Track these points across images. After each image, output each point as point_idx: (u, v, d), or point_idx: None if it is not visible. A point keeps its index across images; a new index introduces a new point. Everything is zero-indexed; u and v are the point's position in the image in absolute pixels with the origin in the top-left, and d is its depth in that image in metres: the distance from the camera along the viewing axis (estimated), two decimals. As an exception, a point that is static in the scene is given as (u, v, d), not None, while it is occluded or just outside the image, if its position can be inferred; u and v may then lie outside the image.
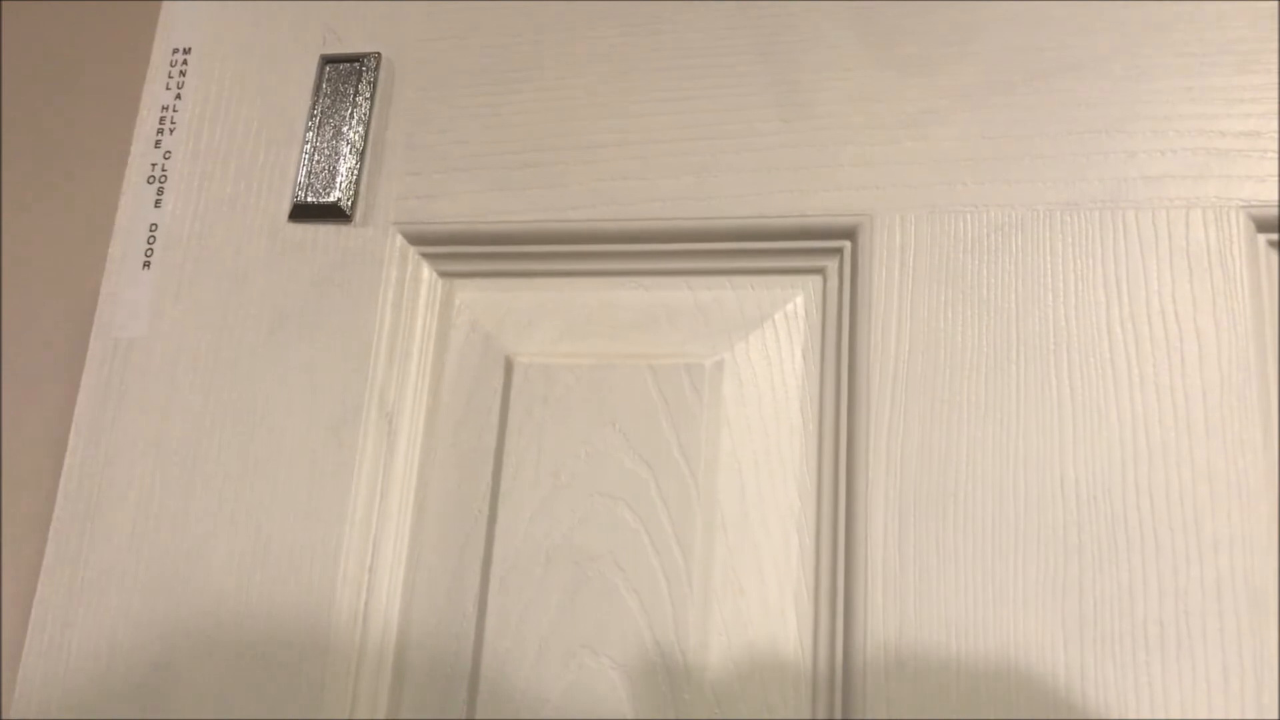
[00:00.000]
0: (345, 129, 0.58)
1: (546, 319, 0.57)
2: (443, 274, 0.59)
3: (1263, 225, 0.49)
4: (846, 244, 0.53)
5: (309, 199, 0.58)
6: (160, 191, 0.61)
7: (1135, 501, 0.47)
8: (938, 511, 0.48)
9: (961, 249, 0.51)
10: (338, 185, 0.58)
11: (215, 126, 0.62)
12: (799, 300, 0.55)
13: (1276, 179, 0.49)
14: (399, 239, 0.58)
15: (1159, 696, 0.45)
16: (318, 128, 0.59)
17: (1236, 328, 0.48)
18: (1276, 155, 0.49)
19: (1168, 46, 0.52)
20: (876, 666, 0.47)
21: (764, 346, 0.54)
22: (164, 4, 0.65)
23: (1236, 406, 0.47)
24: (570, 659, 0.51)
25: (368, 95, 0.59)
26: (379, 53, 0.60)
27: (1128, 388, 0.48)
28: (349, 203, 0.58)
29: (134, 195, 0.62)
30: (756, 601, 0.51)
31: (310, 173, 0.58)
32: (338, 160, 0.58)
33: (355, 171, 0.58)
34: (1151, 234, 0.49)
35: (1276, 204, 0.49)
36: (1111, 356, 0.48)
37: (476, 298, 0.59)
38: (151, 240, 0.60)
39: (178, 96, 0.63)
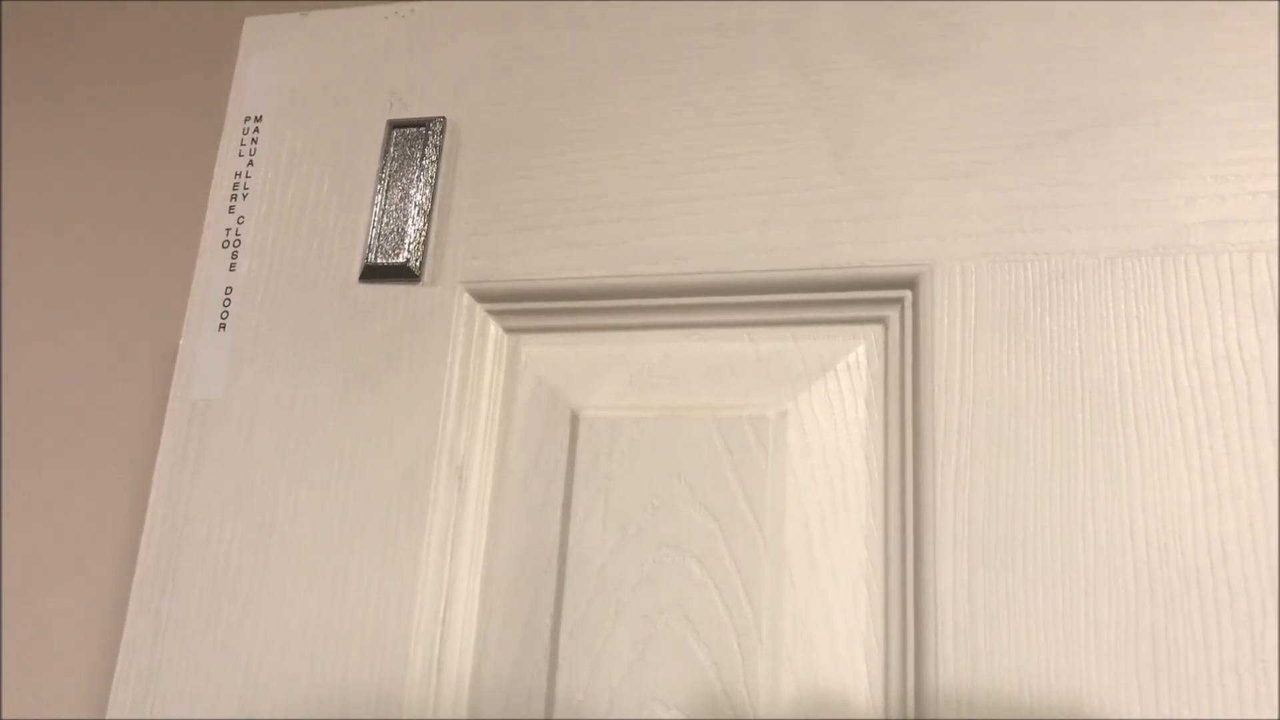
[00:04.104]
0: (413, 191, 0.60)
1: (611, 372, 0.58)
2: (509, 330, 0.61)
3: (1328, 268, 0.49)
4: (907, 294, 0.54)
5: (378, 260, 0.60)
6: (235, 255, 0.63)
7: (1207, 548, 0.46)
8: (1006, 561, 0.48)
9: (1022, 297, 0.51)
10: (406, 246, 0.59)
11: (287, 191, 0.64)
12: (861, 350, 0.55)
13: (1340, 221, 0.49)
14: (466, 297, 0.59)
15: (1237, 746, 0.44)
16: (386, 191, 0.61)
17: (1305, 372, 0.47)
18: (1340, 197, 0.49)
19: (1226, 91, 0.52)
20: (949, 718, 0.47)
21: (827, 397, 0.55)
22: (236, 74, 0.68)
23: (1307, 451, 0.47)
24: (642, 711, 0.52)
25: (434, 158, 0.61)
26: (444, 117, 0.62)
27: (1195, 434, 0.48)
28: (417, 263, 0.59)
29: (210, 259, 0.64)
30: (826, 653, 0.51)
31: (380, 234, 0.60)
32: (406, 222, 0.60)
33: (423, 233, 0.60)
34: (1215, 279, 0.49)
35: (1341, 246, 0.49)
36: (1178, 403, 0.48)
37: (542, 352, 0.60)
38: (227, 303, 0.62)
39: (250, 163, 0.65)
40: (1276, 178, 0.50)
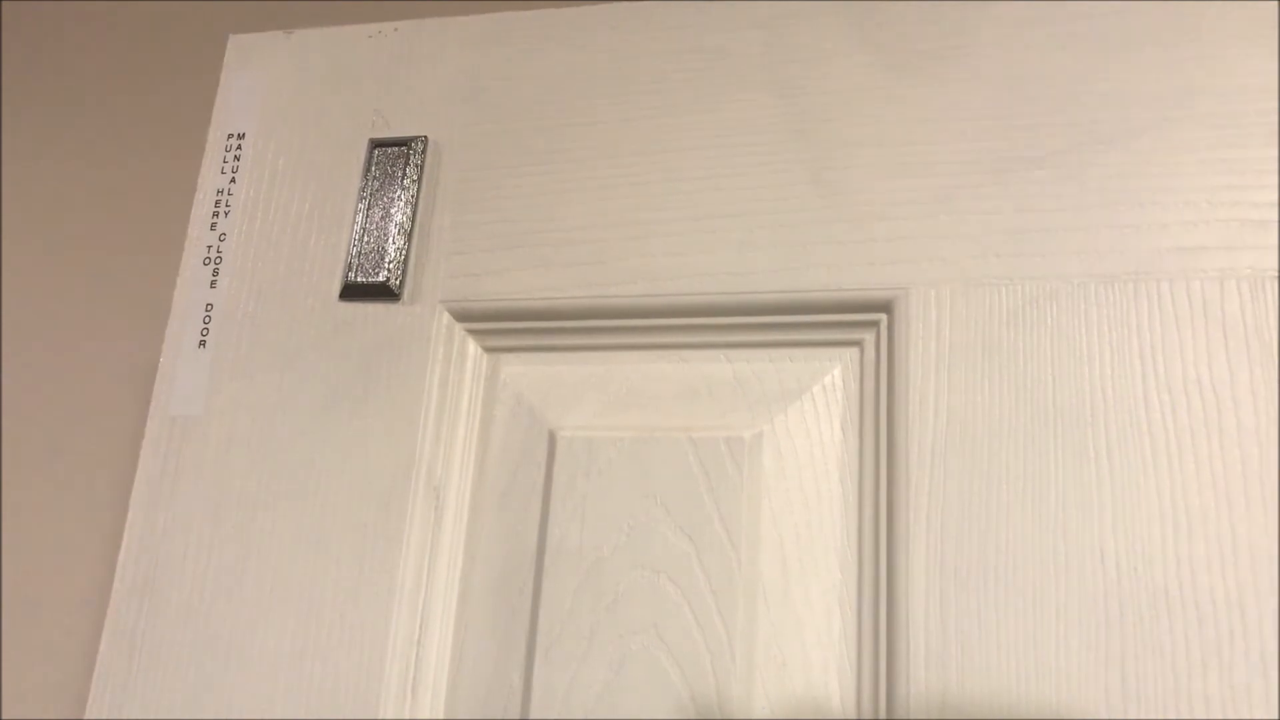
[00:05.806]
0: (393, 210, 0.60)
1: (589, 392, 0.58)
2: (488, 349, 0.61)
3: (1298, 295, 0.50)
4: (883, 317, 0.54)
5: (359, 279, 0.60)
6: (215, 273, 0.63)
7: (1176, 573, 0.47)
8: (978, 584, 0.48)
9: (997, 322, 0.52)
10: (386, 265, 0.59)
11: (268, 209, 0.64)
12: (837, 372, 0.56)
13: (1310, 249, 0.49)
14: (445, 316, 0.59)
15: (1207, 770, 0.45)
16: (367, 209, 0.61)
17: (1274, 398, 0.48)
18: (1309, 225, 0.50)
19: (1199, 119, 0.53)
20: (920, 740, 0.47)
21: (803, 419, 0.55)
22: (219, 91, 0.68)
23: (1277, 478, 0.47)
24: (615, 731, 0.52)
25: (415, 178, 0.61)
26: (426, 136, 0.62)
27: (1165, 459, 0.48)
28: (397, 282, 0.59)
29: (190, 276, 0.64)
30: (800, 674, 0.51)
31: (360, 253, 0.60)
32: (386, 241, 0.60)
33: (403, 251, 0.60)
34: (1186, 305, 0.50)
35: (1311, 274, 0.49)
36: (1149, 428, 0.49)
37: (521, 372, 0.60)
38: (207, 320, 0.62)
39: (232, 180, 0.65)
40: (1248, 205, 0.51)
